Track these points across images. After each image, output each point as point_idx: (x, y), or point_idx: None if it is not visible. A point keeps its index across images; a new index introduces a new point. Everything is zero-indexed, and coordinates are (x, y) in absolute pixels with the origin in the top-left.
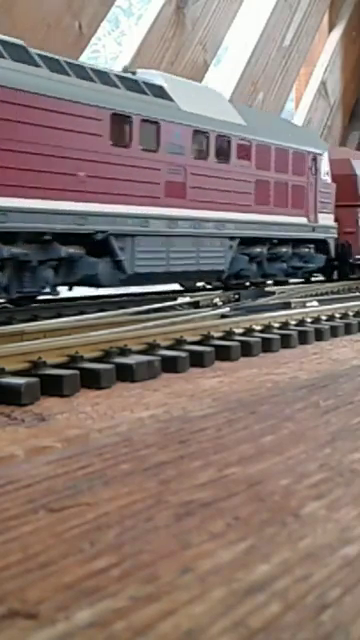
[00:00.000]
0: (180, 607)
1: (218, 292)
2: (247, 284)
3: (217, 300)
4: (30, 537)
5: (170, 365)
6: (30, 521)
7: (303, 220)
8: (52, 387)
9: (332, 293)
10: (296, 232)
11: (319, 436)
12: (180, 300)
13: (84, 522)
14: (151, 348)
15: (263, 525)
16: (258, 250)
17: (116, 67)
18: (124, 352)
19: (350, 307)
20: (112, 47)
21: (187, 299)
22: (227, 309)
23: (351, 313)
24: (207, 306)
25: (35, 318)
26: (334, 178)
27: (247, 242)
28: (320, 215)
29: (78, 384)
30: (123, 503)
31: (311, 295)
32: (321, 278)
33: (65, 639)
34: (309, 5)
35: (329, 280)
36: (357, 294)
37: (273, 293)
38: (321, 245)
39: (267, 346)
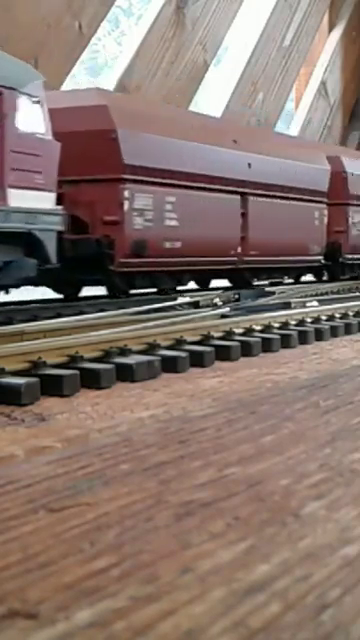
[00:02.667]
0: (180, 607)
1: (218, 292)
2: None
3: (217, 300)
4: (30, 537)
5: (170, 365)
6: (30, 521)
7: None
8: (52, 387)
9: (332, 293)
10: None
11: (319, 436)
12: (180, 300)
13: (84, 522)
14: (151, 348)
15: (263, 525)
16: None
17: (116, 67)
18: (124, 352)
19: (350, 307)
20: (112, 47)
21: (187, 299)
22: (227, 309)
23: (351, 313)
24: (207, 306)
25: (35, 318)
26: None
27: None
28: (14, 192)
29: (78, 384)
30: (123, 503)
31: (311, 295)
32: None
33: (65, 639)
34: (309, 5)
35: (330, 280)
36: (357, 294)
37: (273, 293)
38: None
39: (267, 346)
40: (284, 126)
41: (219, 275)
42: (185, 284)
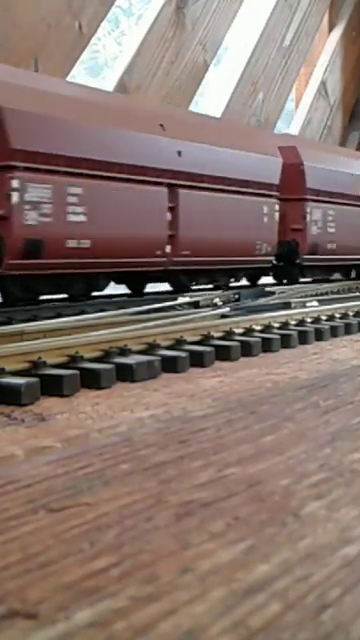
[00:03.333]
0: (180, 607)
1: (218, 292)
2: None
3: (217, 300)
4: (30, 537)
5: (170, 365)
6: (30, 521)
7: None
8: (52, 387)
9: (332, 293)
10: None
11: (319, 436)
12: (180, 300)
13: (84, 522)
14: (151, 348)
15: (263, 525)
16: None
17: (116, 67)
18: (124, 352)
19: (350, 307)
20: (112, 47)
21: (187, 299)
22: (227, 309)
23: (351, 313)
24: (207, 306)
25: (35, 318)
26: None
27: None
28: None
29: (78, 384)
30: (123, 503)
31: (311, 295)
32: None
33: (65, 639)
34: (309, 5)
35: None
36: (357, 294)
37: (273, 293)
38: None
39: (267, 346)
40: (284, 126)
41: (148, 278)
42: (101, 289)
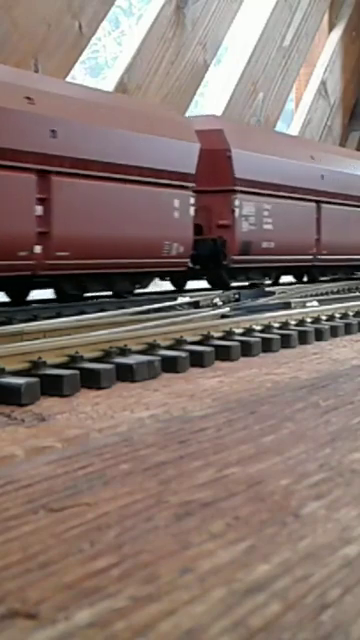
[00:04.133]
0: (180, 607)
1: (218, 292)
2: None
3: (217, 300)
4: (30, 537)
5: (170, 365)
6: (30, 521)
7: None
8: (52, 387)
9: (332, 293)
10: None
11: (319, 436)
12: (180, 300)
13: (84, 522)
14: (151, 348)
15: (263, 525)
16: None
17: (116, 67)
18: (124, 352)
19: (350, 307)
20: (112, 47)
21: (187, 299)
22: (227, 309)
23: (351, 313)
24: (207, 306)
25: (35, 318)
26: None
27: None
28: None
29: (78, 384)
30: (123, 503)
31: (311, 295)
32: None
33: (65, 639)
34: (309, 5)
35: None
36: (357, 294)
37: (273, 293)
38: None
39: (267, 346)
40: (284, 126)
41: (29, 285)
42: None
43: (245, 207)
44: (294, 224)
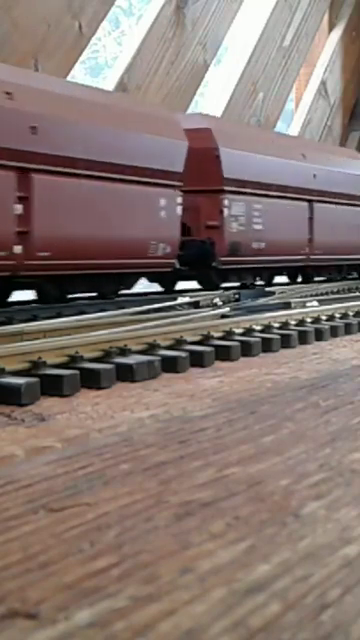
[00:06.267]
0: (180, 607)
1: (218, 292)
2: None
3: (217, 300)
4: (30, 537)
5: (170, 365)
6: (30, 521)
7: None
8: (52, 387)
9: (332, 293)
10: None
11: (319, 436)
12: (180, 300)
13: (84, 522)
14: (151, 348)
15: (263, 525)
16: None
17: (116, 67)
18: (124, 352)
19: (350, 307)
20: (112, 47)
21: (187, 299)
22: (227, 309)
23: (351, 313)
24: (207, 306)
25: (35, 318)
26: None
27: None
28: None
29: (78, 384)
30: (123, 503)
31: (311, 295)
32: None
33: (65, 639)
34: (309, 5)
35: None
36: (357, 294)
37: (273, 293)
38: None
39: (267, 346)
40: (284, 126)
41: (11, 285)
42: None
43: (234, 207)
44: (285, 224)
